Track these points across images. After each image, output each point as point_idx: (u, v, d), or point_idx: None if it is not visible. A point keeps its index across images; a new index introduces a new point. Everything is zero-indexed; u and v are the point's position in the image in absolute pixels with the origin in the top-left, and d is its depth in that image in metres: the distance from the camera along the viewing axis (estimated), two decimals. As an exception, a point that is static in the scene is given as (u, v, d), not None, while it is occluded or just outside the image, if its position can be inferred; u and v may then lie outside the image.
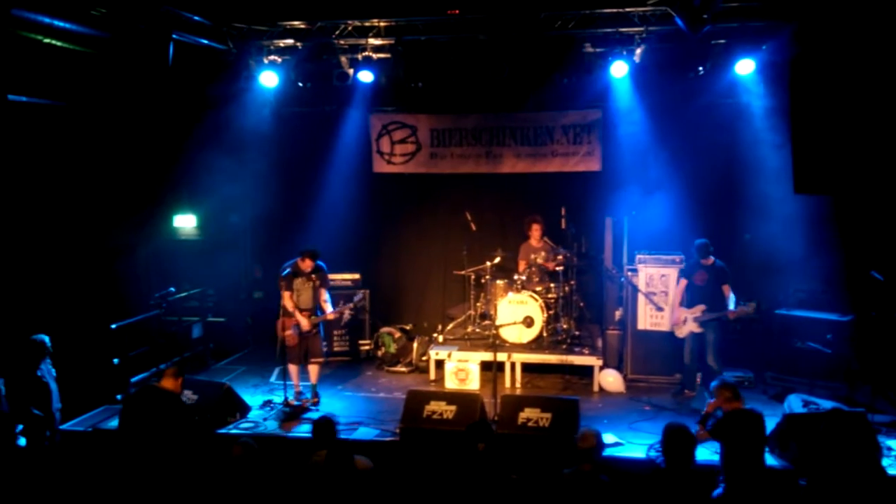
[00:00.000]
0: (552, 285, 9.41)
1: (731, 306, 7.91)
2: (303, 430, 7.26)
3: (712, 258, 8.08)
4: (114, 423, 7.43)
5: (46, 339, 6.84)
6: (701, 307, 8.06)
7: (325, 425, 5.51)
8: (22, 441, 6.68)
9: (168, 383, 6.22)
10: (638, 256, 8.95)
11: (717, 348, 8.05)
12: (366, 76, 9.09)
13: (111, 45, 7.59)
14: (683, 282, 8.31)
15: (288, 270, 8.01)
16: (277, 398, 8.05)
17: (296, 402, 7.98)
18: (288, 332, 7.88)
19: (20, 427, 6.67)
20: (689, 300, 8.22)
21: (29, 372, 6.65)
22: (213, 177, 9.87)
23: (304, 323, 7.94)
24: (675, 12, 6.98)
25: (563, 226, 9.56)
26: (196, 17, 8.32)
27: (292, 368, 8.10)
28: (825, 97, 6.72)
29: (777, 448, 6.38)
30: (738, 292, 8.03)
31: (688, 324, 8.16)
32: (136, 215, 9.92)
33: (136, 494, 5.72)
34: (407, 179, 10.75)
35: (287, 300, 7.92)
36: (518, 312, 8.97)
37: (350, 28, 8.90)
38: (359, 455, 5.47)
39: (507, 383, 8.76)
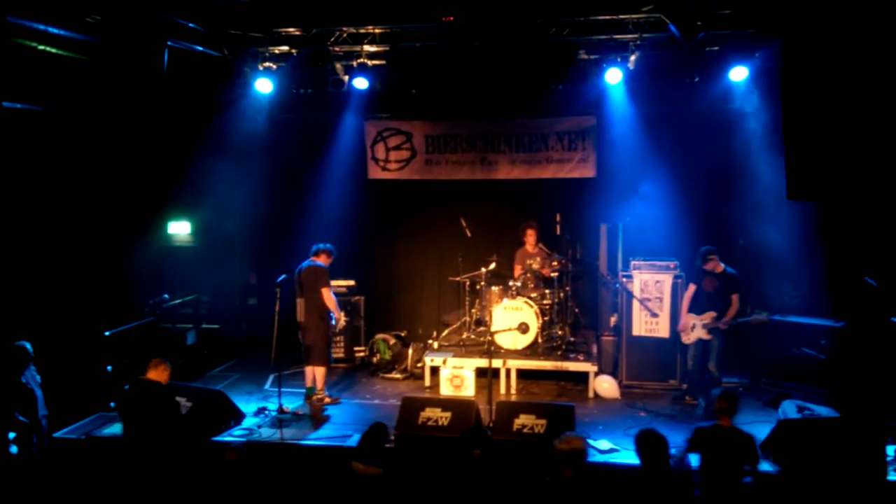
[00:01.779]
0: (547, 291, 9.42)
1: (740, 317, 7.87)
2: (297, 438, 7.26)
3: (722, 265, 7.98)
4: (107, 430, 7.42)
5: (28, 345, 6.80)
6: (711, 314, 7.95)
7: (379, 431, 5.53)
8: (14, 449, 6.64)
9: (151, 374, 6.23)
10: (632, 262, 8.96)
11: (719, 355, 8.00)
12: (361, 83, 9.11)
13: (106, 52, 7.60)
14: (692, 287, 8.17)
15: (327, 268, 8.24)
16: (272, 405, 8.03)
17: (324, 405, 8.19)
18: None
19: (13, 435, 6.63)
20: (697, 307, 8.10)
21: (13, 379, 6.61)
22: (207, 183, 9.86)
23: (343, 319, 8.31)
24: (668, 19, 7.02)
25: (558, 232, 9.57)
26: (191, 24, 8.32)
27: (324, 370, 8.26)
28: (817, 104, 6.75)
29: (771, 454, 6.39)
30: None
31: (696, 330, 8.06)
32: (130, 222, 9.89)
33: (131, 501, 5.69)
34: (402, 186, 10.76)
35: (331, 296, 8.12)
36: (513, 319, 8.97)
37: (345, 35, 8.91)
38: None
39: (503, 390, 8.75)
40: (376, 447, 5.40)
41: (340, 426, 7.59)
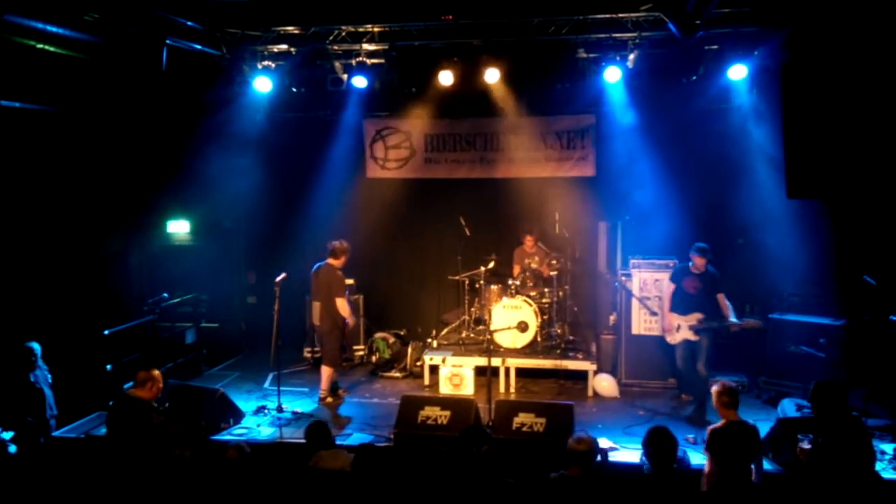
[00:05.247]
0: (546, 290, 9.42)
1: (733, 317, 7.67)
2: (296, 437, 7.25)
3: (706, 265, 7.96)
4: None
5: (37, 345, 6.79)
6: (697, 315, 7.79)
7: (319, 428, 5.52)
8: (12, 448, 6.63)
9: (138, 391, 6.14)
10: (632, 261, 8.95)
11: (708, 356, 7.86)
12: (360, 81, 9.09)
13: (104, 51, 7.58)
14: (672, 286, 8.06)
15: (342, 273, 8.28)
16: (271, 404, 8.03)
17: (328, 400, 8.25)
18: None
19: (11, 434, 6.62)
20: (681, 307, 7.96)
21: (21, 379, 6.60)
22: (206, 182, 9.85)
23: (352, 321, 8.48)
24: (667, 18, 6.98)
25: (557, 230, 9.57)
26: (189, 23, 8.31)
27: (331, 371, 8.30)
28: (817, 102, 6.74)
29: (771, 452, 6.39)
30: (731, 297, 7.96)
31: (681, 331, 7.91)
32: (129, 221, 9.89)
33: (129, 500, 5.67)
34: (401, 184, 10.74)
35: (346, 305, 8.17)
36: (512, 317, 8.97)
37: (344, 33, 8.91)
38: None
39: (502, 388, 8.75)
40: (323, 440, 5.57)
41: (341, 424, 7.59)
